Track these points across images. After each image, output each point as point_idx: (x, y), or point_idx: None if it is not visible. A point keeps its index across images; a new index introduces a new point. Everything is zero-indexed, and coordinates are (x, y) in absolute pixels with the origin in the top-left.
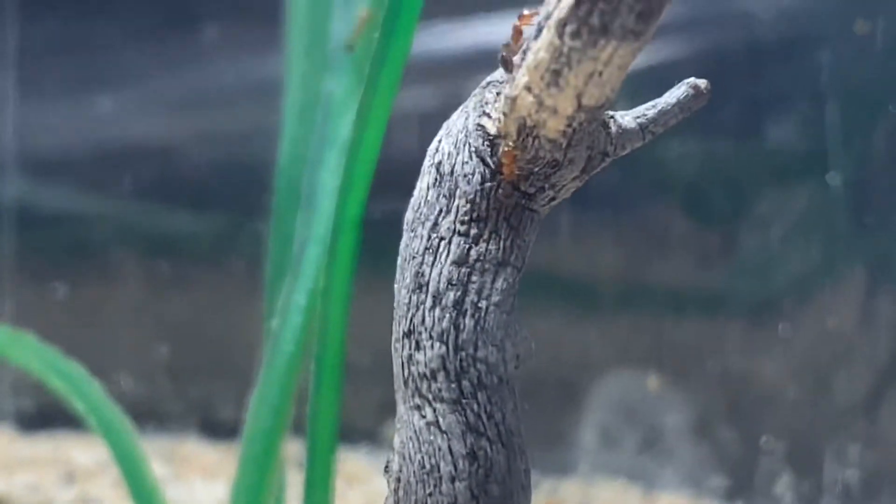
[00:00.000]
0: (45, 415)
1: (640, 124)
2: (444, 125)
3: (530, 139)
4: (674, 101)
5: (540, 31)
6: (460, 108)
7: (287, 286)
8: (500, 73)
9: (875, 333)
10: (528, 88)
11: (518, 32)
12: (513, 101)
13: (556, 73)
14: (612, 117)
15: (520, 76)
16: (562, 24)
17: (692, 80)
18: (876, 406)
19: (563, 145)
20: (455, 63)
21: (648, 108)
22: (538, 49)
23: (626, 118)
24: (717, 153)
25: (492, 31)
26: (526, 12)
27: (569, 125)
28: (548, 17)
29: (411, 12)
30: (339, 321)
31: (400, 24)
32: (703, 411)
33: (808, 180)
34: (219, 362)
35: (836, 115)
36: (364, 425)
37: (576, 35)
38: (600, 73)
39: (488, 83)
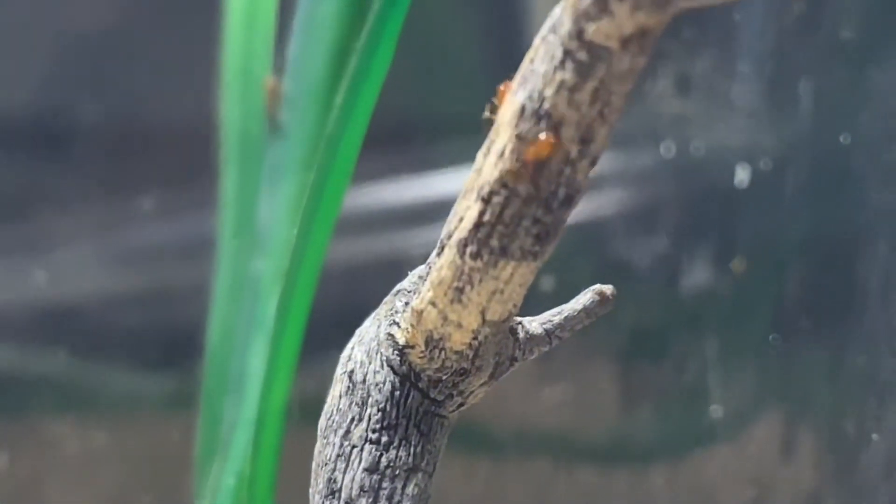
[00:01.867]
0: None
1: (546, 330)
2: (357, 332)
3: (437, 350)
4: (580, 307)
5: (442, 248)
6: (373, 314)
7: (216, 468)
8: (408, 282)
9: (797, 467)
10: (433, 303)
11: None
12: (419, 314)
13: (459, 291)
14: (519, 323)
15: (424, 290)
16: (462, 245)
17: (598, 286)
18: None
19: (470, 356)
20: (388, 219)
21: (555, 315)
22: (441, 266)
23: (534, 324)
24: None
25: (424, 190)
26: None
27: (474, 338)
28: (449, 235)
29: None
30: None
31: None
32: None
33: (730, 322)
34: None
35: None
36: None
37: (476, 256)
38: (502, 291)
39: (398, 291)
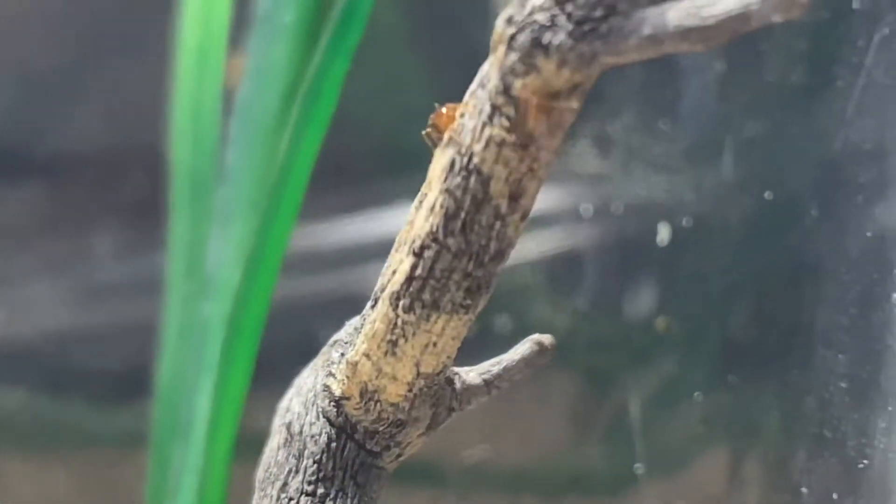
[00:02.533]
0: None
1: (485, 381)
2: (295, 383)
3: (373, 402)
4: (518, 357)
5: (376, 301)
6: (310, 365)
7: None
8: (344, 333)
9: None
10: (367, 356)
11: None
12: (353, 366)
13: (393, 343)
14: (456, 374)
15: (359, 343)
16: (395, 298)
17: (536, 336)
18: None
19: (406, 408)
20: (337, 257)
21: (494, 364)
22: (374, 319)
23: (472, 374)
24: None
25: (372, 227)
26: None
27: (409, 390)
28: (382, 288)
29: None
30: None
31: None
32: None
33: (679, 349)
34: None
35: None
36: None
37: (409, 309)
38: (435, 344)
39: (334, 342)
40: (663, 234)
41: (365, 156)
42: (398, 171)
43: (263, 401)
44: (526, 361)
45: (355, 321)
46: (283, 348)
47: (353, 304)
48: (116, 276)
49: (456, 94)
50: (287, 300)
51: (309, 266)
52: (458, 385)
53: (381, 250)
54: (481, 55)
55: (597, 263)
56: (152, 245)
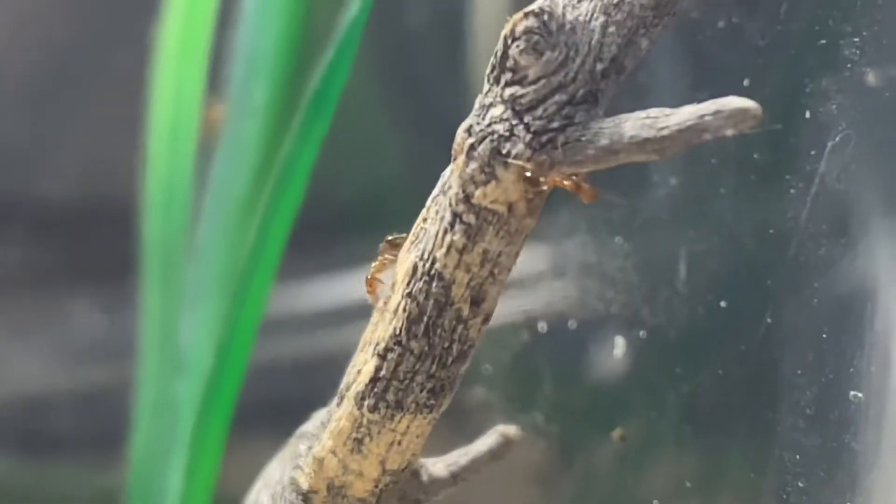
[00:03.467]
0: None
1: (451, 472)
2: (262, 475)
3: (339, 497)
4: (485, 448)
5: (341, 399)
6: (277, 456)
7: None
8: (312, 426)
9: None
10: (333, 452)
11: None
12: (319, 462)
13: (359, 441)
14: (423, 466)
15: (325, 439)
16: (360, 398)
17: (501, 427)
18: None
19: (373, 502)
20: (313, 318)
21: (461, 456)
22: (340, 417)
23: (439, 465)
24: None
25: (350, 288)
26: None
27: (375, 486)
28: (347, 387)
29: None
30: None
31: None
32: None
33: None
34: None
35: None
36: None
37: (374, 409)
38: (400, 442)
39: (301, 434)
40: (619, 346)
41: (340, 217)
42: (373, 233)
43: (236, 461)
44: (492, 453)
45: (321, 414)
46: (256, 407)
47: (326, 367)
48: (92, 338)
49: (431, 157)
50: (261, 361)
51: (283, 328)
52: (424, 478)
53: (355, 312)
54: (455, 120)
55: (552, 379)
56: (127, 305)
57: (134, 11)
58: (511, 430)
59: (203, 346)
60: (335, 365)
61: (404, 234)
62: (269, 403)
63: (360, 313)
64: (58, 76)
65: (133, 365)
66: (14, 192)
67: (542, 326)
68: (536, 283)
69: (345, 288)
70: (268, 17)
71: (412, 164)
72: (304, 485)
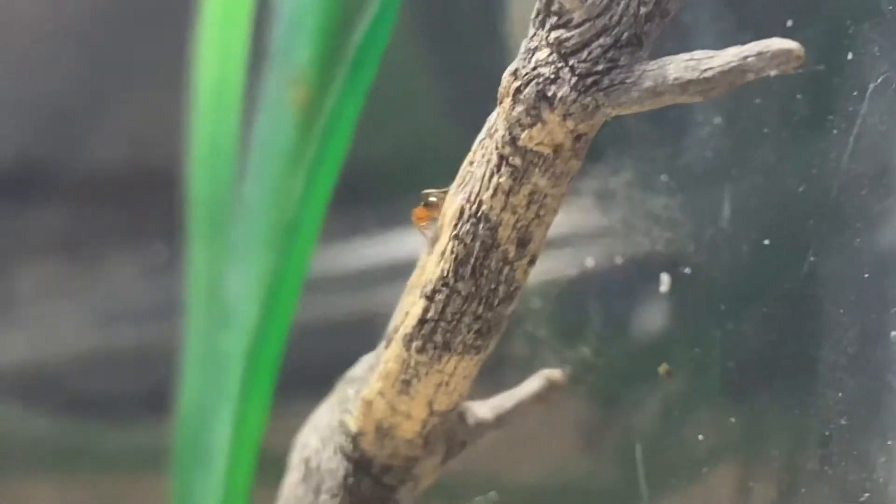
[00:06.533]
0: None
1: (497, 415)
2: (311, 418)
3: (388, 438)
4: (530, 391)
5: (389, 342)
6: (326, 401)
7: None
8: (360, 369)
9: None
10: (382, 394)
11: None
12: (368, 404)
13: (406, 383)
14: (469, 408)
15: (373, 381)
16: (408, 340)
17: (547, 371)
18: None
19: (420, 443)
20: (358, 277)
21: (506, 399)
22: (388, 359)
23: (484, 409)
24: None
25: (391, 246)
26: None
27: (423, 427)
28: (395, 329)
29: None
30: None
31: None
32: None
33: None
34: None
35: None
36: None
37: (421, 350)
38: (447, 383)
39: (349, 379)
40: (665, 283)
41: (381, 177)
42: (411, 193)
43: (280, 419)
44: (537, 396)
45: (369, 358)
46: (299, 368)
47: (367, 327)
48: (137, 299)
49: (469, 116)
50: (303, 322)
51: (325, 288)
52: (470, 420)
53: (396, 273)
54: (494, 78)
55: (601, 313)
56: (173, 267)
57: None
58: (556, 373)
59: (250, 299)
60: (375, 324)
61: (443, 189)
62: (310, 362)
63: (401, 272)
64: (105, 38)
65: (179, 324)
66: (61, 155)
67: (590, 262)
68: (584, 219)
69: (384, 248)
70: None
71: (450, 120)
72: (353, 427)
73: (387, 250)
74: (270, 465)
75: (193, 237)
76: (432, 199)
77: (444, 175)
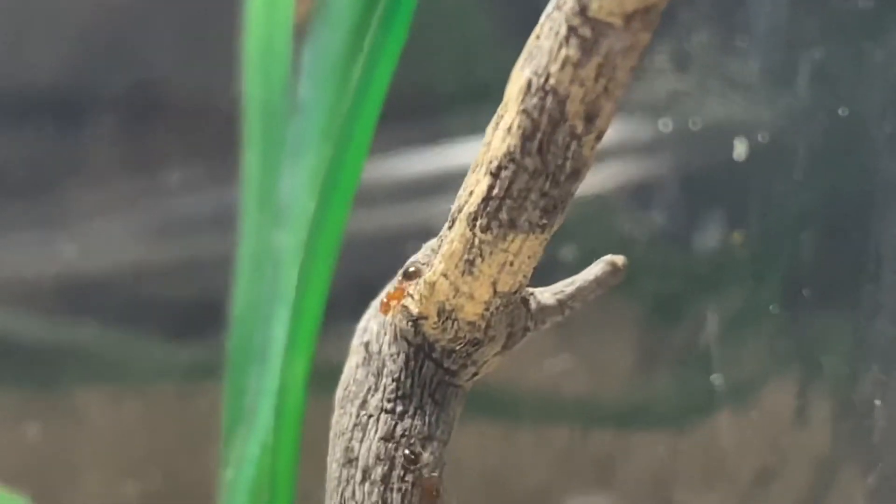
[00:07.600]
0: None
1: (559, 300)
2: (373, 304)
3: (450, 321)
4: (591, 277)
5: (453, 222)
6: (388, 285)
7: (241, 437)
8: (421, 254)
9: (810, 433)
10: (445, 275)
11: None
12: (431, 286)
13: (470, 263)
14: (531, 294)
15: (436, 263)
16: (472, 218)
17: (609, 257)
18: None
19: (483, 326)
20: (407, 190)
21: (567, 285)
22: (452, 239)
23: (546, 294)
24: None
25: (441, 160)
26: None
27: (486, 309)
28: (459, 209)
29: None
30: (287, 476)
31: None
32: None
33: (736, 292)
34: (185, 500)
35: None
36: None
37: (486, 229)
38: (512, 263)
39: (411, 263)
40: (740, 149)
41: (436, 89)
42: (470, 104)
43: (335, 334)
44: (599, 281)
45: (432, 243)
46: (354, 280)
47: (423, 238)
48: (189, 211)
49: (522, 25)
50: (359, 233)
51: (381, 199)
52: (532, 305)
53: (452, 184)
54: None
55: (674, 179)
56: (225, 180)
57: None
58: (619, 259)
59: (304, 197)
60: (427, 236)
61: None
62: (362, 273)
63: (450, 184)
64: None
65: (233, 237)
66: (114, 71)
67: (666, 123)
68: (657, 78)
69: (440, 160)
70: None
71: (500, 38)
72: (415, 310)
73: (439, 162)
74: (322, 377)
75: (249, 140)
76: (412, 269)
77: (500, 89)
